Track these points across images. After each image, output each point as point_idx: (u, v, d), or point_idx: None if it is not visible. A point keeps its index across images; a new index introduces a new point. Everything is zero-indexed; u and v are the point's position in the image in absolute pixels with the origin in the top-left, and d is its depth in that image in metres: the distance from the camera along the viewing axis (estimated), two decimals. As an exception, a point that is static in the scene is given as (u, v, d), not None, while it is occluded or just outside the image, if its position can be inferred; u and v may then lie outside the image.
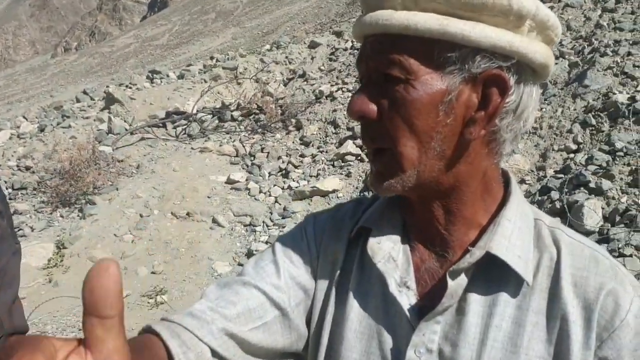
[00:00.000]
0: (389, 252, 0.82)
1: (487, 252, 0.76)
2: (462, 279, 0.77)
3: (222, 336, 0.78)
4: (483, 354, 0.75)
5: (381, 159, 0.78)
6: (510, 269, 0.76)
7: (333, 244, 0.91)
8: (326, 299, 0.88)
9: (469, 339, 0.76)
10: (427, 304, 0.79)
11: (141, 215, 6.56)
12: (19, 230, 6.60)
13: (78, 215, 6.78)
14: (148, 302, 5.21)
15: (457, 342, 0.76)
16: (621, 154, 4.98)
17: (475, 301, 0.77)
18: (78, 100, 11.22)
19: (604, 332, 0.73)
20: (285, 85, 10.07)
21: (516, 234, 0.79)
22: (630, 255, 4.14)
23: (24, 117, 10.80)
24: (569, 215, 4.59)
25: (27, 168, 8.25)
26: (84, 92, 11.74)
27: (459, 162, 0.77)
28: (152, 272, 5.77)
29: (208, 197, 6.95)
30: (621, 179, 4.78)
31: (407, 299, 0.80)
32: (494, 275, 0.77)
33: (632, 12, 7.05)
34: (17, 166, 8.39)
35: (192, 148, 8.23)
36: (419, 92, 0.72)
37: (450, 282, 0.76)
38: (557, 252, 0.79)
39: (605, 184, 4.75)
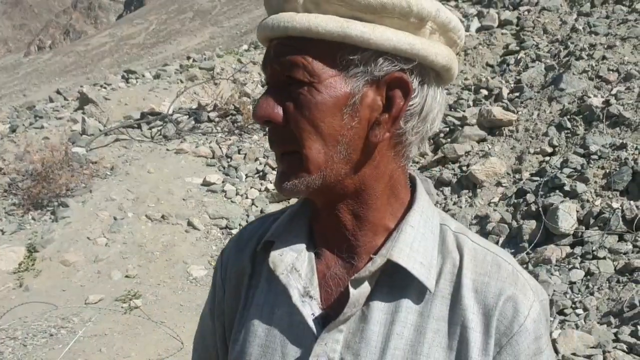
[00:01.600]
0: (291, 263, 0.82)
1: (389, 260, 0.76)
2: (365, 287, 0.77)
3: None
4: None
5: (288, 161, 0.77)
6: (412, 276, 0.76)
7: (237, 265, 0.92)
8: (233, 319, 0.90)
9: (371, 348, 0.76)
10: (332, 312, 0.79)
11: (115, 218, 6.45)
12: (-12, 234, 6.46)
13: (50, 218, 6.65)
14: (122, 307, 5.13)
15: (358, 351, 0.77)
16: (595, 157, 5.04)
17: (378, 309, 0.77)
18: (51, 100, 11.03)
19: (503, 337, 0.74)
20: (262, 86, 10.02)
21: (419, 240, 0.79)
22: (604, 258, 4.19)
23: (-6, 117, 10.59)
24: (544, 218, 4.62)
25: (-2, 169, 8.08)
26: (58, 92, 11.55)
27: (364, 166, 0.77)
28: (126, 276, 5.67)
29: (183, 199, 6.86)
30: (595, 182, 4.84)
31: (310, 309, 0.80)
32: (397, 282, 0.78)
33: (607, 17, 7.14)
34: (-13, 167, 8.21)
35: (167, 149, 8.12)
36: (323, 95, 0.72)
37: (352, 290, 0.76)
38: (459, 258, 0.80)
39: (580, 187, 4.80)
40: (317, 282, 0.81)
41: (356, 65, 0.72)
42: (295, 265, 0.82)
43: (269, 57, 0.76)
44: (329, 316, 0.79)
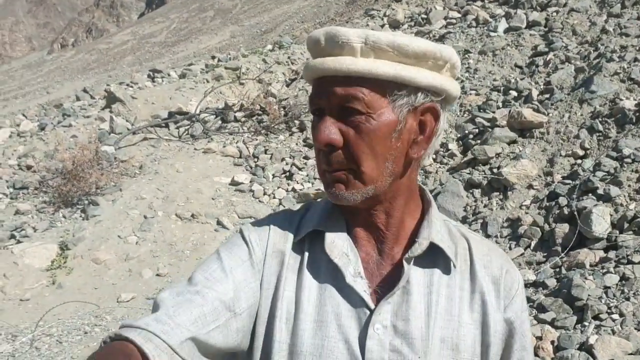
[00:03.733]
0: (342, 249, 0.98)
1: (431, 242, 0.98)
2: (411, 265, 0.97)
3: (186, 340, 0.86)
4: (430, 323, 0.95)
5: (344, 175, 0.94)
6: (441, 255, 0.99)
7: (279, 247, 1.03)
8: (275, 298, 0.98)
9: (417, 313, 0.95)
10: (376, 289, 0.97)
11: (145, 217, 6.52)
12: (21, 231, 6.56)
13: (81, 216, 6.74)
14: (153, 305, 5.18)
15: (408, 317, 0.95)
16: (629, 160, 4.98)
17: (417, 283, 0.97)
18: (78, 99, 11.17)
19: (506, 299, 1.02)
20: (287, 86, 10.05)
21: (441, 229, 1.02)
22: (639, 263, 4.14)
23: (23, 115, 10.74)
24: (579, 221, 4.59)
25: (28, 167, 8.20)
26: (84, 91, 11.69)
27: (401, 177, 0.98)
28: (157, 275, 5.74)
29: (212, 198, 6.92)
30: (629, 185, 4.79)
31: (362, 286, 0.96)
32: (428, 261, 0.99)
33: (638, 18, 7.05)
34: (18, 165, 8.34)
35: (195, 149, 8.19)
36: (377, 123, 0.91)
37: (406, 266, 0.96)
38: (467, 243, 1.05)
39: (614, 190, 4.75)
40: (361, 265, 0.98)
41: (401, 98, 0.92)
42: (344, 251, 0.98)
43: (325, 91, 0.93)
44: (373, 292, 0.97)
